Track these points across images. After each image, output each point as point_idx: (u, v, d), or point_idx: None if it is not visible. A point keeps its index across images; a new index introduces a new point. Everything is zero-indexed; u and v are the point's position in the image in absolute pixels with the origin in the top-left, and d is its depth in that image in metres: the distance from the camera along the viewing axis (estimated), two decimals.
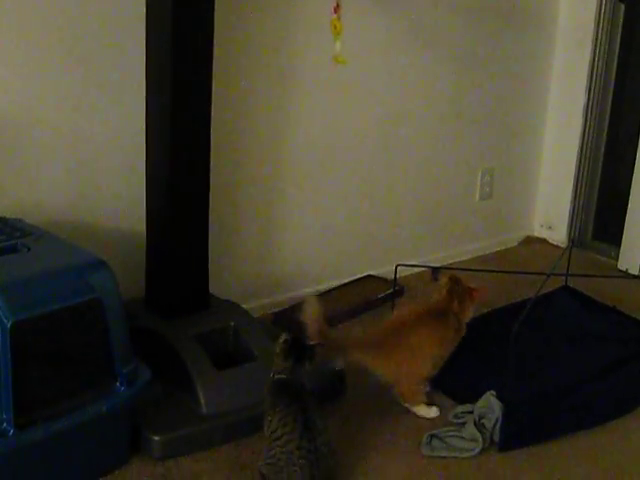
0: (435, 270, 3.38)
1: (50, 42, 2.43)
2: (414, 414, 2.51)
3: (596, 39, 3.76)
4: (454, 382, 2.60)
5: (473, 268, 3.47)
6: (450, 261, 3.63)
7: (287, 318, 2.99)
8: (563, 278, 3.24)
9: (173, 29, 2.32)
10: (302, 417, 2.06)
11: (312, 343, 2.23)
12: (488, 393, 2.43)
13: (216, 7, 2.38)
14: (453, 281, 2.58)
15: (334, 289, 3.26)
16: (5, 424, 1.90)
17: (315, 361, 2.18)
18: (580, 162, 3.92)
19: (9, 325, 1.89)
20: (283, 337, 2.15)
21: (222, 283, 2.78)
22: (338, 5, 2.23)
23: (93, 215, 2.61)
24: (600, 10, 3.72)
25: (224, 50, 2.56)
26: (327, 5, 2.33)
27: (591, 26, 3.74)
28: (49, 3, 2.39)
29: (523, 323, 2.36)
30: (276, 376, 2.15)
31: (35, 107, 2.45)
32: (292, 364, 2.13)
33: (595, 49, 3.77)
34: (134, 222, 2.63)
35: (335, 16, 2.23)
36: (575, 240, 3.94)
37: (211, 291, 2.67)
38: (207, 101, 2.47)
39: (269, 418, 2.09)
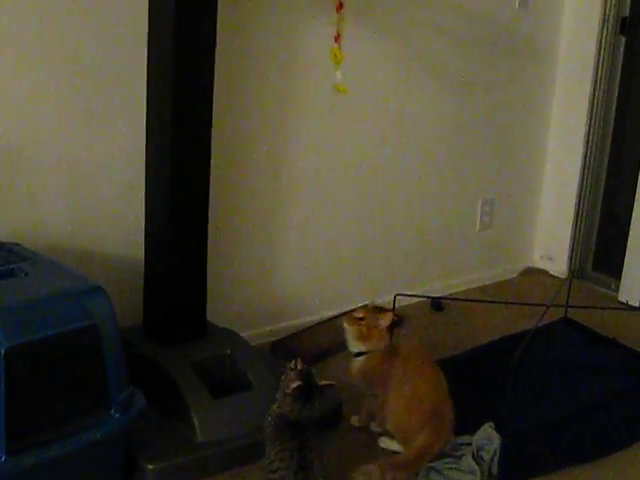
0: (434, 300, 3.38)
1: (52, 71, 2.44)
2: None
3: (597, 70, 3.78)
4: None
5: (473, 299, 3.47)
6: (450, 291, 3.62)
7: (285, 347, 2.98)
8: (563, 309, 3.22)
9: (174, 56, 2.33)
10: (299, 456, 2.02)
11: (323, 384, 2.19)
12: (486, 425, 2.43)
13: (218, 35, 2.39)
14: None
15: (332, 318, 3.23)
16: None
17: (323, 401, 2.14)
18: (580, 193, 3.92)
19: (3, 351, 1.88)
20: (296, 383, 2.07)
21: (220, 311, 2.77)
22: (339, 34, 2.24)
23: (91, 240, 2.61)
24: (601, 42, 3.74)
25: (226, 75, 2.58)
26: (328, 34, 2.33)
27: (592, 57, 3.76)
28: (53, 35, 2.41)
29: (522, 355, 2.34)
30: (279, 410, 2.11)
31: (36, 134, 2.45)
32: (300, 407, 2.10)
33: (595, 80, 3.79)
34: (133, 248, 2.62)
35: (336, 45, 2.24)
36: (575, 271, 3.94)
37: (209, 319, 2.66)
38: (207, 127, 2.47)
39: (268, 449, 2.07)
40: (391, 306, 2.92)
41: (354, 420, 2.59)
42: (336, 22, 2.24)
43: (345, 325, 2.52)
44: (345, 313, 3.22)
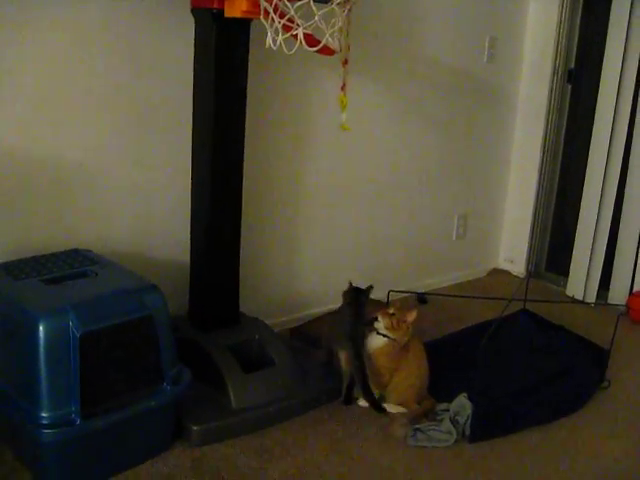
0: (420, 295, 3.37)
1: (119, 115, 2.45)
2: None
3: (549, 112, 3.76)
4: (435, 386, 2.56)
5: (450, 294, 3.45)
6: (433, 287, 3.60)
7: (301, 332, 2.97)
8: (522, 303, 3.21)
9: (215, 106, 2.34)
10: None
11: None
12: (461, 395, 2.42)
13: (249, 86, 2.41)
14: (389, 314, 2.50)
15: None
16: (73, 415, 1.90)
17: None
18: (536, 209, 3.90)
19: (79, 335, 1.89)
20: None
21: (250, 303, 2.75)
22: (344, 84, 2.23)
23: (148, 247, 2.60)
24: (552, 89, 3.73)
25: (254, 114, 2.56)
26: (336, 84, 2.33)
27: (545, 101, 3.74)
28: (120, 85, 2.42)
29: (490, 339, 2.33)
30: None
31: (106, 161, 2.45)
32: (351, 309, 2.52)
33: (548, 120, 3.77)
34: (181, 253, 2.61)
35: (342, 93, 2.23)
36: (532, 272, 3.93)
37: (241, 310, 2.65)
38: (240, 158, 2.47)
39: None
40: (386, 299, 2.94)
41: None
42: (342, 74, 2.23)
43: (379, 317, 2.48)
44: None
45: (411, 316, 2.46)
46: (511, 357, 2.84)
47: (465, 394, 2.41)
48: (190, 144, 2.47)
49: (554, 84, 3.73)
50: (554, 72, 3.71)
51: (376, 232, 3.39)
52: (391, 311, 2.47)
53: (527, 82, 3.81)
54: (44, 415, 1.88)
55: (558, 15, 3.64)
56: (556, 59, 3.69)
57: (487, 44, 3.57)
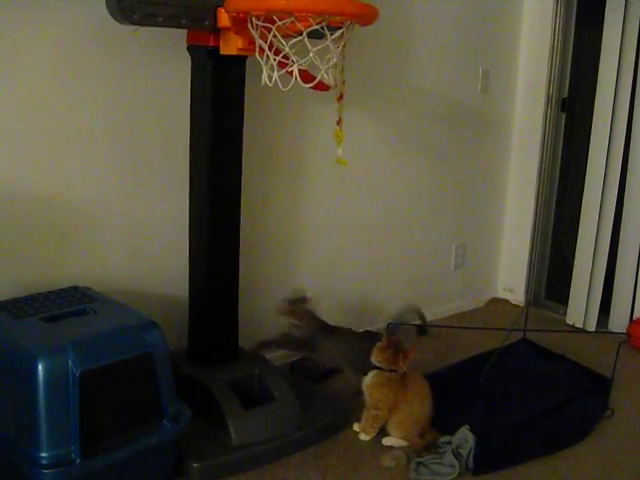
0: (419, 326, 3.37)
1: (117, 147, 2.48)
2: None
3: (544, 140, 3.80)
4: (436, 418, 2.56)
5: (449, 325, 3.46)
6: (432, 318, 3.59)
7: (301, 366, 2.97)
8: (522, 332, 3.21)
9: (211, 141, 2.37)
10: None
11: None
12: (463, 427, 2.41)
13: (246, 122, 2.44)
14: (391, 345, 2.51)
15: None
16: (73, 454, 1.89)
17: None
18: (533, 237, 3.93)
19: (78, 374, 1.89)
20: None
21: (248, 338, 2.75)
22: (340, 119, 2.26)
23: (147, 284, 2.62)
24: (546, 118, 3.77)
25: (249, 151, 2.59)
26: (331, 117, 2.37)
27: (539, 130, 3.79)
28: (118, 124, 2.46)
29: (491, 369, 2.34)
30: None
31: (103, 197, 2.48)
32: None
33: (543, 148, 3.81)
34: (179, 289, 2.62)
35: (338, 127, 2.26)
36: (531, 301, 3.94)
37: (240, 344, 2.65)
38: (237, 194, 2.49)
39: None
40: (386, 331, 2.94)
41: (356, 426, 2.57)
42: (338, 109, 2.26)
43: (375, 350, 2.48)
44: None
45: (407, 351, 2.46)
46: (513, 388, 2.83)
47: (467, 426, 2.40)
48: (187, 180, 2.50)
49: (548, 113, 3.77)
50: (548, 101, 3.75)
51: (374, 263, 3.41)
52: (386, 344, 2.48)
53: (521, 111, 3.85)
54: (43, 455, 1.87)
55: (550, 44, 3.69)
56: (549, 88, 3.74)
57: (481, 75, 3.62)
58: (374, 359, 2.47)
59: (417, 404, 2.48)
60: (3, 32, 2.18)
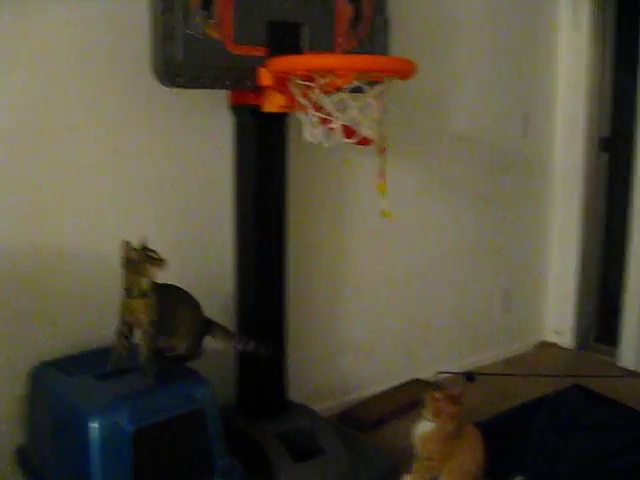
0: (467, 374, 3.34)
1: (166, 211, 2.53)
2: None
3: (586, 181, 3.79)
4: (488, 468, 2.52)
5: (498, 373, 3.42)
6: (479, 364, 3.57)
7: (349, 417, 2.96)
8: (572, 377, 3.17)
9: (255, 196, 2.42)
10: None
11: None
12: (517, 478, 2.37)
13: (292, 176, 2.48)
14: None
15: (385, 392, 3.21)
16: None
17: None
18: (580, 278, 3.89)
19: (131, 432, 1.92)
20: None
21: (296, 390, 2.75)
22: (382, 172, 2.28)
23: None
24: (587, 158, 3.77)
25: (294, 202, 2.62)
26: (373, 168, 2.39)
27: (581, 171, 3.79)
28: (166, 178, 2.51)
29: (543, 418, 2.31)
30: None
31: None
32: None
33: (586, 189, 3.79)
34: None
35: (381, 181, 2.28)
36: (580, 343, 3.88)
37: (288, 397, 2.65)
38: (283, 246, 2.51)
39: None
40: (433, 379, 2.92)
41: (407, 478, 2.54)
42: (380, 162, 2.28)
43: (426, 402, 2.47)
44: (395, 387, 3.25)
45: (454, 406, 2.42)
46: (566, 436, 2.78)
47: (521, 477, 2.36)
48: (231, 238, 2.54)
49: (589, 153, 3.76)
50: (588, 141, 3.75)
51: (420, 310, 3.40)
52: (437, 397, 2.45)
53: (562, 152, 3.85)
54: None
55: (588, 84, 3.70)
56: (589, 127, 3.74)
57: (521, 119, 3.64)
58: (426, 412, 2.44)
59: (469, 454, 2.44)
60: (61, 99, 2.27)
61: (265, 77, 2.22)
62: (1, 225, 2.22)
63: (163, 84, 2.16)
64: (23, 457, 2.21)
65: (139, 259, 2.05)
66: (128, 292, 2.07)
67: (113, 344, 2.14)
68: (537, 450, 2.30)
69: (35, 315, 2.31)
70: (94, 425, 1.89)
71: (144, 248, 2.08)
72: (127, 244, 2.05)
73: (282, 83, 2.19)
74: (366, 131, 2.09)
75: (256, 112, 2.31)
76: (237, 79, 2.23)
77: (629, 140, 3.57)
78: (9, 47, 2.15)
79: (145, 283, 2.06)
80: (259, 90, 2.28)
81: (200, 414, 2.07)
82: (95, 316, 2.42)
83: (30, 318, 2.30)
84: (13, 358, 2.26)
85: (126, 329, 2.11)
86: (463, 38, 3.32)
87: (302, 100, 2.10)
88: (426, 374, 3.27)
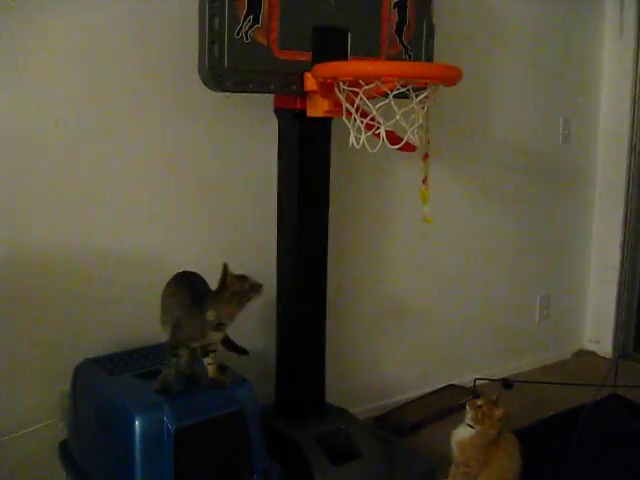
0: (504, 380, 3.32)
1: (209, 213, 2.57)
2: None
3: (628, 189, 3.75)
4: (524, 478, 2.50)
5: (536, 380, 3.39)
6: (517, 371, 3.55)
7: (387, 421, 2.96)
8: (611, 387, 3.12)
9: (298, 200, 2.42)
10: None
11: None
12: None
13: (332, 179, 2.48)
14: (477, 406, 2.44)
15: (423, 396, 3.21)
16: None
17: None
18: (620, 287, 3.85)
19: (173, 431, 1.94)
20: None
21: (334, 392, 2.75)
22: (426, 177, 2.28)
23: (235, 337, 2.62)
24: (630, 166, 3.73)
25: (336, 206, 2.62)
26: (415, 173, 2.39)
27: (623, 179, 3.74)
28: (211, 180, 2.54)
29: (581, 428, 2.29)
30: None
31: (191, 255, 2.51)
32: None
33: (627, 197, 3.76)
34: (268, 347, 2.64)
35: (423, 186, 2.28)
36: (619, 352, 3.84)
37: (326, 400, 2.66)
38: (324, 248, 2.52)
39: None
40: (471, 385, 2.91)
41: None
42: (423, 168, 2.29)
43: (467, 407, 2.45)
44: (432, 392, 3.24)
45: (498, 411, 2.41)
46: (604, 447, 2.74)
47: None
48: (274, 235, 2.55)
49: (632, 161, 3.72)
50: (631, 150, 3.70)
51: (458, 317, 3.38)
52: (479, 403, 2.43)
53: (604, 161, 3.81)
54: None
55: (632, 92, 3.66)
56: (632, 136, 3.70)
57: (561, 125, 3.61)
58: (467, 416, 2.44)
59: (507, 461, 2.43)
60: (102, 105, 2.30)
61: (310, 82, 2.23)
62: (50, 225, 2.27)
63: (209, 88, 2.18)
64: (66, 452, 2.24)
65: (243, 289, 1.93)
66: (217, 327, 1.98)
67: (170, 365, 2.03)
68: (576, 463, 2.26)
69: (81, 313, 2.36)
70: (137, 423, 1.91)
71: (239, 276, 1.95)
72: (231, 274, 1.92)
73: (327, 88, 2.19)
74: (410, 137, 2.09)
75: (300, 116, 2.33)
76: (282, 84, 2.24)
77: None
78: (50, 44, 2.19)
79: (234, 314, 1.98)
80: (304, 95, 2.29)
81: (241, 415, 2.08)
82: (137, 317, 2.45)
83: (76, 316, 2.35)
84: (58, 354, 2.31)
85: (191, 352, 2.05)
86: (506, 44, 3.30)
87: (347, 106, 2.11)
88: (463, 380, 3.26)
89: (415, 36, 2.48)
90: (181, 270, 2.12)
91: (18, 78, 2.16)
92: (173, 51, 2.36)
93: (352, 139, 2.09)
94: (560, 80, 3.57)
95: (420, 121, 2.10)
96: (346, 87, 2.08)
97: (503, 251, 3.51)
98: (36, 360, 2.29)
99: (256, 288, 1.96)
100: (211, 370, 2.08)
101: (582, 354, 3.95)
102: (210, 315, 1.96)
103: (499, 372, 3.44)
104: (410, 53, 2.48)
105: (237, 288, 1.94)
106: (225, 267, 1.94)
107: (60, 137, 2.24)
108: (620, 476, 2.53)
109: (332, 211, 2.51)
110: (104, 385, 2.12)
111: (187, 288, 2.05)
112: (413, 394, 3.20)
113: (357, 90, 2.06)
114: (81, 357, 2.26)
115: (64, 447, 2.26)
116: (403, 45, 2.45)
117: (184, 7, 2.26)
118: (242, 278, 1.96)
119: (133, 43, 2.32)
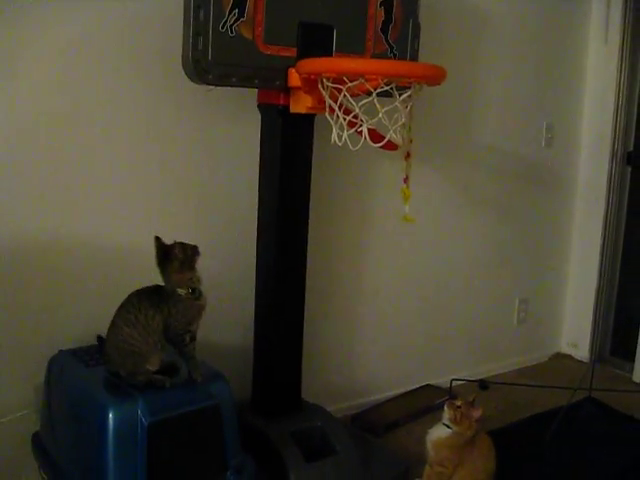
0: (481, 382, 3.33)
1: (191, 209, 2.55)
2: None
3: (609, 194, 3.76)
4: (498, 477, 2.51)
5: (512, 382, 3.40)
6: (493, 373, 3.56)
7: (362, 419, 2.96)
8: (587, 390, 3.14)
9: (280, 196, 2.40)
10: None
11: None
12: None
13: (313, 176, 2.47)
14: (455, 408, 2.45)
15: (399, 396, 3.21)
16: None
17: None
18: (598, 292, 3.86)
19: (147, 424, 1.92)
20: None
21: (310, 390, 2.75)
22: (407, 177, 2.28)
23: (213, 334, 2.63)
24: (611, 172, 3.74)
25: (317, 204, 2.61)
26: (397, 173, 2.39)
27: (604, 184, 3.76)
28: (194, 183, 2.53)
29: (555, 430, 2.30)
30: None
31: None
32: None
33: (608, 202, 3.77)
34: (245, 343, 2.63)
35: (405, 185, 2.28)
36: (596, 356, 3.86)
37: (302, 397, 2.65)
38: (304, 246, 2.51)
39: None
40: (447, 386, 2.91)
41: None
42: (405, 167, 2.28)
43: (445, 407, 2.45)
44: (409, 392, 3.24)
45: (477, 412, 2.41)
46: (578, 450, 2.76)
47: None
48: (254, 231, 2.53)
49: (613, 167, 3.73)
50: (613, 155, 3.72)
51: (437, 318, 3.39)
52: (458, 403, 2.43)
53: (586, 165, 3.83)
54: None
55: (615, 97, 3.68)
56: (614, 142, 3.71)
57: (544, 129, 3.62)
58: (444, 416, 2.43)
59: (481, 462, 2.43)
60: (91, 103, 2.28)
61: (294, 78, 2.22)
62: (24, 218, 2.24)
63: (192, 80, 2.16)
64: (38, 443, 2.23)
65: (189, 254, 1.98)
66: (194, 292, 2.01)
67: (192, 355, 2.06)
68: (549, 464, 2.27)
69: (56, 304, 2.33)
70: (111, 415, 1.90)
71: (181, 244, 2.00)
72: (176, 243, 1.97)
73: (311, 84, 2.18)
74: (392, 135, 2.08)
75: (283, 112, 2.31)
76: (266, 79, 2.23)
77: None
78: (44, 45, 2.18)
79: (198, 279, 2.01)
80: (287, 90, 2.28)
81: (216, 410, 2.07)
82: (113, 309, 2.42)
83: (51, 307, 2.32)
84: (32, 345, 2.28)
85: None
86: (491, 47, 3.31)
87: (331, 102, 2.10)
88: (440, 381, 3.26)
89: (401, 35, 2.48)
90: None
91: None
92: (160, 48, 2.34)
93: (334, 136, 2.08)
94: (544, 84, 3.58)
95: (403, 120, 2.09)
96: (330, 84, 2.07)
97: (483, 253, 3.51)
98: (11, 351, 2.26)
99: (195, 250, 2.02)
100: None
101: (559, 357, 3.97)
102: (180, 291, 2.00)
103: (476, 373, 3.44)
104: (395, 52, 2.47)
105: (182, 257, 1.99)
106: (159, 240, 1.98)
107: (46, 131, 2.23)
108: (593, 478, 2.54)
109: (313, 207, 2.50)
110: (78, 377, 2.11)
111: (140, 303, 2.02)
112: (390, 393, 3.20)
113: (341, 87, 2.05)
114: (56, 349, 2.24)
115: (37, 438, 2.24)
116: (388, 44, 2.45)
117: (172, 4, 2.24)
118: (180, 245, 2.00)
119: (121, 40, 2.30)
